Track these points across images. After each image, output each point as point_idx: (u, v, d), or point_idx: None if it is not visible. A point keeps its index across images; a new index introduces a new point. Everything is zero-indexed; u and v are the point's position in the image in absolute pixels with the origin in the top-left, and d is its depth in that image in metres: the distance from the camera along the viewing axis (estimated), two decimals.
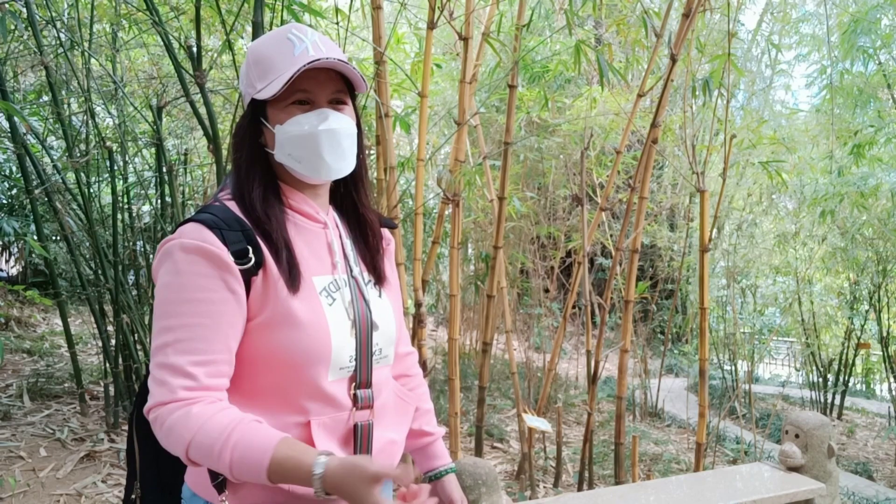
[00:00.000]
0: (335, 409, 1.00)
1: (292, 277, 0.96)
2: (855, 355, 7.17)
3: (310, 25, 2.80)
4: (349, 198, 1.13)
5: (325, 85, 1.00)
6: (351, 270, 1.07)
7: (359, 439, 1.01)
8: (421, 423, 1.23)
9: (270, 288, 0.95)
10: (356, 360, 1.01)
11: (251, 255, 0.94)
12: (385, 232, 1.20)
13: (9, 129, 3.26)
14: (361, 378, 1.02)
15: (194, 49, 2.33)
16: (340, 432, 1.01)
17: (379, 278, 1.12)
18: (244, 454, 0.85)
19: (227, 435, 0.86)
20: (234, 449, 0.85)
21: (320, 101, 1.01)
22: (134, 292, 4.03)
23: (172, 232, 0.97)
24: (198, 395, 0.89)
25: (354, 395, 1.01)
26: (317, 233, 1.05)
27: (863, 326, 6.88)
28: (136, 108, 3.94)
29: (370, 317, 1.05)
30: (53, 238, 5.38)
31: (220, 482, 0.97)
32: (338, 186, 1.12)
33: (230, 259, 0.92)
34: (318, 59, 0.96)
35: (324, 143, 0.99)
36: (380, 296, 1.11)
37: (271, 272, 0.96)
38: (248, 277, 0.94)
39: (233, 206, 0.99)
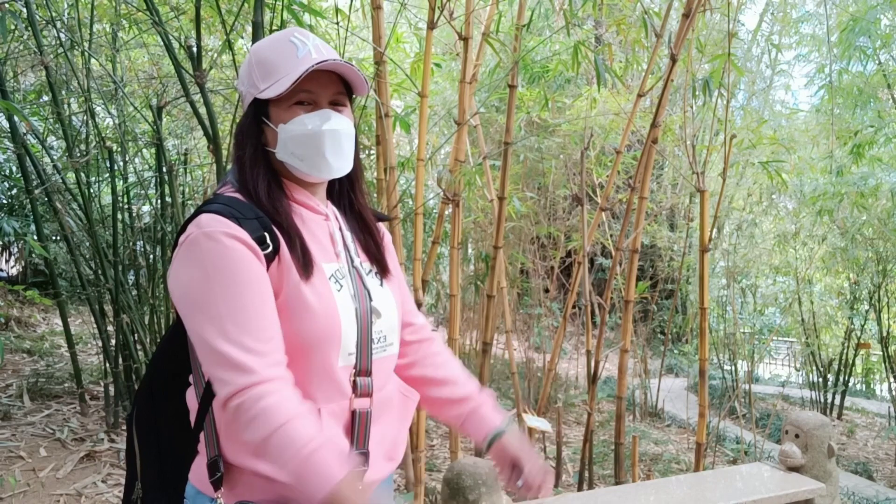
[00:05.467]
0: (340, 396, 1.01)
1: (305, 264, 0.98)
2: (855, 355, 7.17)
3: (310, 26, 2.81)
4: (346, 195, 1.16)
5: (326, 86, 1.03)
6: (352, 260, 1.09)
7: (356, 427, 1.02)
8: (455, 391, 1.20)
9: (284, 274, 0.97)
10: (357, 346, 1.02)
11: (269, 241, 0.96)
12: (380, 226, 1.22)
13: (9, 129, 3.26)
14: (361, 365, 1.03)
15: (194, 49, 2.33)
16: (343, 420, 1.02)
17: (382, 269, 1.14)
18: (309, 479, 0.86)
19: (305, 449, 0.87)
20: (304, 467, 0.86)
21: (322, 103, 1.03)
22: (134, 292, 4.03)
23: (179, 231, 0.97)
24: (278, 374, 0.90)
25: (354, 381, 1.02)
26: (319, 223, 1.08)
27: (863, 326, 6.88)
28: (136, 108, 3.94)
29: (370, 305, 1.06)
30: (53, 238, 5.38)
31: (216, 479, 0.97)
32: (334, 185, 1.14)
33: (255, 243, 0.94)
34: (326, 61, 0.98)
35: (327, 143, 1.01)
36: (381, 285, 1.13)
37: (285, 259, 0.97)
38: (267, 263, 0.96)
39: (240, 197, 1.01)
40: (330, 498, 0.85)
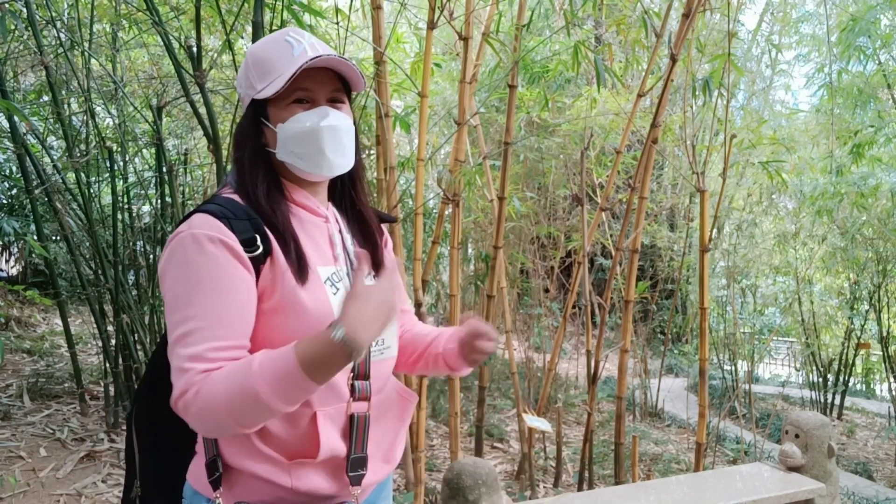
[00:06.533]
0: (337, 399, 1.01)
1: (300, 268, 0.98)
2: (855, 355, 7.17)
3: (309, 26, 2.81)
4: (347, 195, 1.15)
5: (324, 84, 1.03)
6: (351, 263, 1.08)
7: (354, 431, 1.02)
8: (432, 332, 1.24)
9: (278, 277, 0.97)
10: None
11: (259, 243, 0.95)
12: (382, 228, 1.22)
13: (9, 129, 3.26)
14: (359, 369, 1.03)
15: (194, 49, 2.33)
16: (340, 423, 1.02)
17: (379, 271, 1.13)
18: (272, 374, 0.84)
19: (248, 369, 0.85)
20: (261, 375, 0.84)
21: (320, 100, 1.03)
22: (134, 292, 4.03)
23: (177, 226, 0.98)
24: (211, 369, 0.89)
25: (352, 385, 1.02)
26: (319, 226, 1.07)
27: (863, 326, 6.88)
28: (136, 108, 3.94)
29: None
30: (53, 238, 5.38)
31: (215, 479, 0.98)
32: (336, 184, 1.14)
33: (240, 247, 0.93)
34: (320, 57, 0.98)
35: (326, 139, 1.01)
36: None
37: (279, 262, 0.97)
38: (256, 265, 0.95)
39: (237, 198, 1.01)
40: (302, 362, 0.83)
